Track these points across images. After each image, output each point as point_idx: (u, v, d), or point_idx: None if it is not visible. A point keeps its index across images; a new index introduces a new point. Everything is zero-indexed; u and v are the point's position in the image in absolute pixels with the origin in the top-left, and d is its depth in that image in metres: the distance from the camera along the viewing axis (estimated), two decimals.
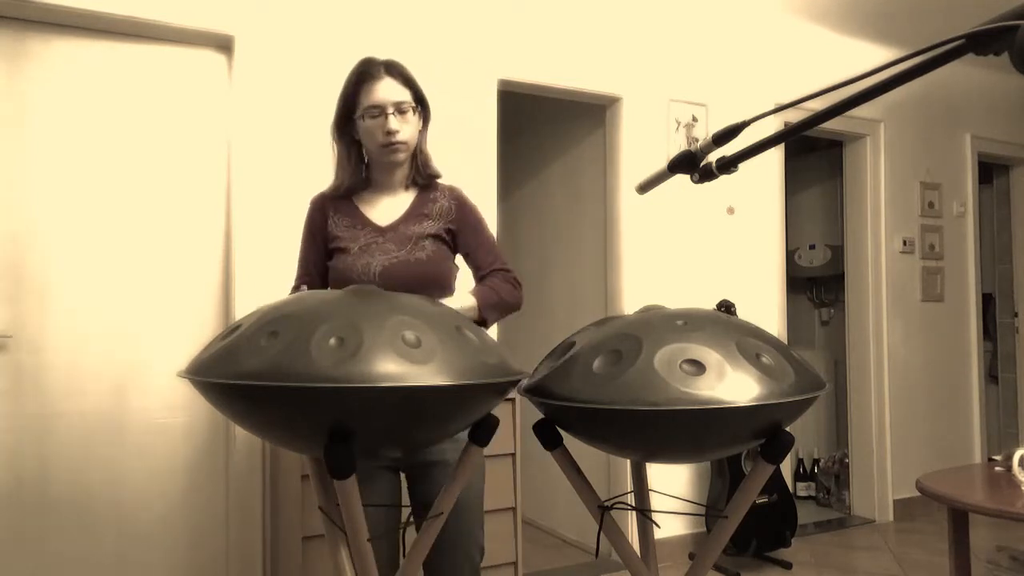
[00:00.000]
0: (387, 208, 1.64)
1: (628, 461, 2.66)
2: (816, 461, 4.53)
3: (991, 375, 4.96)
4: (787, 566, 3.25)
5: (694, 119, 3.54)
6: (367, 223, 1.62)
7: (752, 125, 1.02)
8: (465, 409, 1.03)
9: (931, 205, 4.33)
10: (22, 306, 2.36)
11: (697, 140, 2.67)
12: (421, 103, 1.62)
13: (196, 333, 2.60)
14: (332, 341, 0.94)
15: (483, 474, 1.63)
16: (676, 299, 3.45)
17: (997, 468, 2.38)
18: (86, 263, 2.46)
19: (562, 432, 1.21)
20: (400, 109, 1.56)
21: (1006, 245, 4.95)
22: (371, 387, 0.90)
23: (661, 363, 1.02)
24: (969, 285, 4.47)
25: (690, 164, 1.14)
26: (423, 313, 1.05)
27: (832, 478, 4.40)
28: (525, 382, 1.22)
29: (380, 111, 1.54)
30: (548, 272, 3.96)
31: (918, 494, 2.61)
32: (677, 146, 3.48)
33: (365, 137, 1.59)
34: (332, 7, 2.76)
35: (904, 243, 4.20)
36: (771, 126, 3.45)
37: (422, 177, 1.66)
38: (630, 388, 1.01)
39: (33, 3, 2.32)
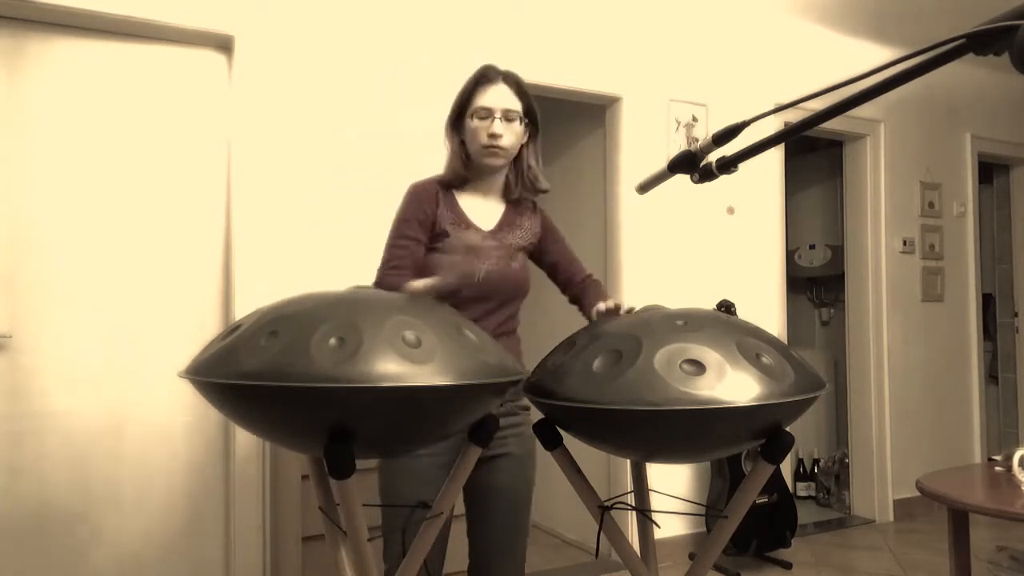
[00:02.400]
0: (484, 213, 1.66)
1: (628, 461, 2.66)
2: (816, 461, 4.52)
3: (991, 375, 4.95)
4: (787, 566, 3.25)
5: (694, 119, 3.54)
6: (471, 224, 1.63)
7: (752, 125, 1.02)
8: (465, 409, 1.03)
9: (931, 205, 4.33)
10: (22, 306, 2.37)
11: (697, 140, 2.67)
12: (530, 117, 1.65)
13: (196, 333, 2.60)
14: (332, 341, 0.94)
15: (534, 469, 1.69)
16: (676, 299, 3.45)
17: (997, 468, 2.38)
18: (86, 263, 2.46)
19: (562, 432, 1.21)
20: (507, 116, 1.59)
21: (1006, 245, 4.95)
22: (371, 387, 0.90)
23: (661, 363, 1.02)
24: (969, 285, 4.47)
25: (690, 164, 1.14)
26: (423, 313, 1.05)
27: (832, 478, 4.40)
28: (525, 382, 1.22)
29: (488, 113, 1.58)
30: None
31: (918, 494, 2.61)
32: (677, 146, 3.47)
33: (469, 136, 1.61)
34: (332, 7, 2.76)
35: (904, 243, 4.20)
36: (771, 126, 3.45)
37: (528, 191, 1.69)
38: (630, 388, 1.01)
39: (33, 3, 2.32)
